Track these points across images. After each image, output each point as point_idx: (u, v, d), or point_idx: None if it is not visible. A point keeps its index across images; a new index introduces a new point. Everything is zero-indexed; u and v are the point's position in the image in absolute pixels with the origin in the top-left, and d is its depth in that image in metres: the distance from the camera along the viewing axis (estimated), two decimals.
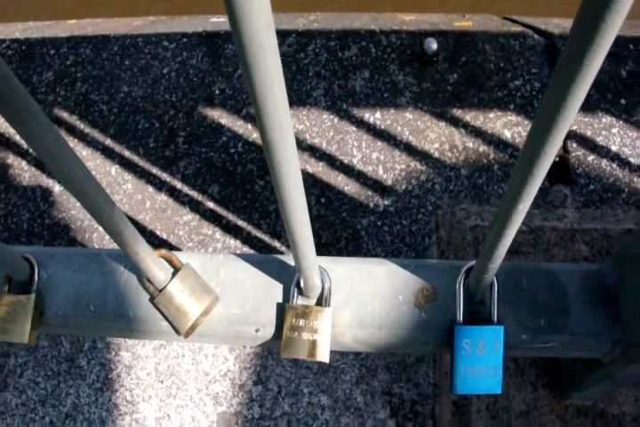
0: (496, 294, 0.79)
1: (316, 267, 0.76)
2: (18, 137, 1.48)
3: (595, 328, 0.80)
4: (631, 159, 1.29)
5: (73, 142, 1.40)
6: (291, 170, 0.52)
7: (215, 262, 0.86)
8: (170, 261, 0.83)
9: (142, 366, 1.26)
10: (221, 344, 1.19)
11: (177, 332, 0.84)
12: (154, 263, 0.78)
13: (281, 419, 1.16)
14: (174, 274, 0.82)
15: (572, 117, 0.45)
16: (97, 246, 1.31)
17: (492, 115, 1.34)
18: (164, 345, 1.27)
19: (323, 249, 1.19)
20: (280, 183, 0.54)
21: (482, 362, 0.77)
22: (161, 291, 0.81)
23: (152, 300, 0.83)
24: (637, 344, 0.77)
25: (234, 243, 1.24)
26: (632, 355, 0.79)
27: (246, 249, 1.24)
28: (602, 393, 1.01)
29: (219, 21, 1.64)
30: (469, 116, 1.34)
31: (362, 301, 0.83)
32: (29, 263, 0.89)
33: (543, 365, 1.07)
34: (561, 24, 1.59)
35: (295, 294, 0.82)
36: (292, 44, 1.39)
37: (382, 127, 1.32)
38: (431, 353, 1.16)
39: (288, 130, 0.46)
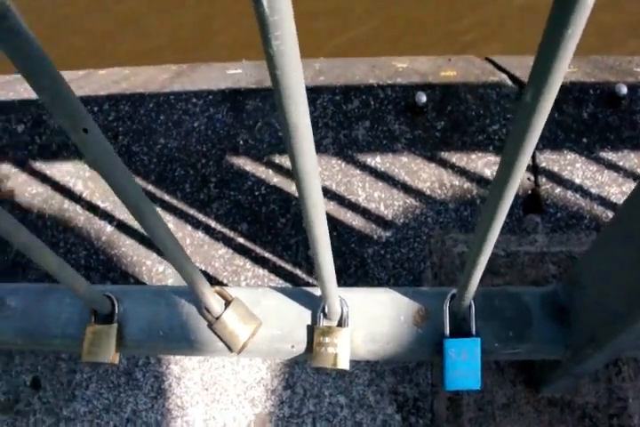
0: (474, 313, 1.03)
1: (337, 297, 1.01)
2: (71, 184, 1.73)
3: (551, 337, 1.05)
4: (592, 190, 1.54)
5: None
6: (319, 214, 0.73)
7: (256, 295, 1.11)
8: (222, 295, 1.08)
9: (189, 376, 1.51)
10: (265, 358, 1.43)
11: (230, 350, 1.09)
12: (212, 297, 1.02)
13: (307, 417, 1.41)
14: (227, 305, 1.07)
15: (528, 155, 0.56)
16: (145, 278, 1.56)
17: (474, 156, 1.59)
18: (207, 358, 1.51)
19: (336, 275, 1.44)
20: (312, 230, 0.76)
21: (465, 366, 1.02)
22: (217, 319, 1.06)
23: (210, 326, 1.08)
24: (583, 347, 1.01)
25: (262, 272, 1.49)
26: (581, 356, 1.04)
27: (273, 277, 1.48)
28: (567, 387, 1.26)
29: (236, 73, 1.89)
30: (455, 158, 1.59)
31: (372, 321, 1.07)
32: (110, 299, 1.13)
33: (519, 365, 1.32)
34: None
35: (321, 318, 1.06)
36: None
37: (382, 169, 1.57)
38: (426, 361, 1.41)
39: (316, 173, 0.65)
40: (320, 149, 1.59)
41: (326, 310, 1.03)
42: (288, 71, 0.46)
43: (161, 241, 0.79)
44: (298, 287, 1.15)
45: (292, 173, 0.58)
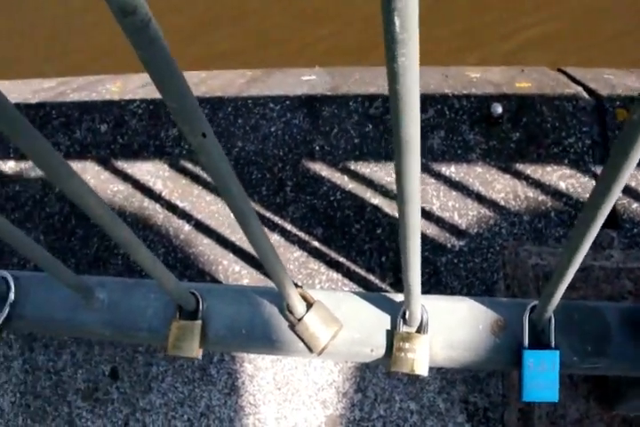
0: (553, 326, 1.04)
1: (420, 303, 1.03)
2: (151, 183, 1.79)
3: (631, 353, 1.05)
4: None
5: (198, 190, 1.71)
6: (415, 225, 0.76)
7: (337, 298, 1.13)
8: (304, 297, 1.11)
9: (262, 375, 1.55)
10: (343, 360, 1.46)
11: (310, 351, 1.12)
12: (296, 299, 1.06)
13: (377, 421, 1.43)
14: (308, 307, 1.10)
15: (630, 170, 0.58)
16: (222, 277, 1.60)
17: (549, 168, 1.59)
18: (280, 359, 1.55)
19: None
20: (406, 234, 0.79)
21: (543, 377, 1.02)
22: (299, 320, 1.09)
23: (291, 327, 1.11)
24: None
25: (336, 276, 1.52)
26: None
27: (346, 281, 1.51)
28: None
29: (311, 79, 1.93)
30: (530, 170, 1.59)
31: (451, 329, 1.09)
32: (195, 297, 1.18)
33: (594, 380, 1.31)
34: (610, 80, 1.83)
35: (401, 323, 1.08)
36: (379, 107, 1.67)
37: (456, 179, 1.59)
38: (502, 370, 1.41)
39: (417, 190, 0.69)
40: None
41: (407, 315, 1.05)
42: (409, 86, 0.49)
43: (258, 241, 0.83)
44: (377, 293, 1.17)
45: (395, 179, 0.61)
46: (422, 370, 1.04)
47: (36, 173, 1.98)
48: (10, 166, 2.04)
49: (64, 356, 1.76)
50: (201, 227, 1.68)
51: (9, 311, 1.23)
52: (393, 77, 0.48)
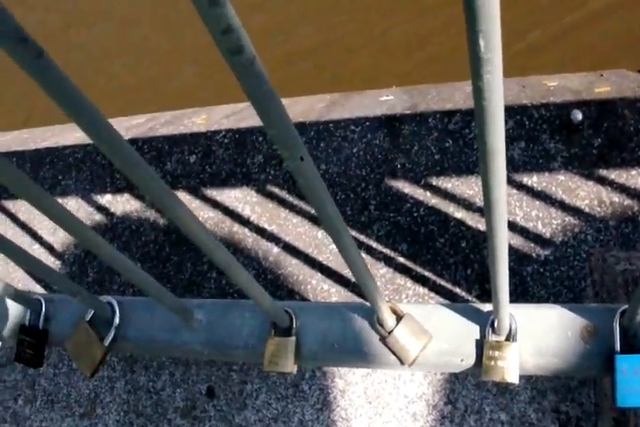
0: None
1: (508, 312, 1.05)
2: (239, 209, 1.87)
3: None
4: None
5: (285, 213, 1.77)
6: (502, 236, 0.80)
7: (426, 310, 1.16)
8: (394, 311, 1.14)
9: (353, 390, 1.58)
10: (434, 372, 1.48)
11: (401, 363, 1.15)
12: (386, 312, 1.09)
13: None
14: (398, 320, 1.13)
15: None
16: (311, 296, 1.65)
17: (633, 172, 1.57)
18: (370, 373, 1.58)
19: None
20: (494, 250, 0.82)
21: (637, 383, 1.02)
22: (390, 333, 1.12)
23: (382, 340, 1.14)
24: None
25: (422, 290, 1.54)
26: None
27: (433, 295, 1.54)
28: None
29: (389, 100, 1.97)
30: (614, 175, 1.58)
31: (540, 336, 1.10)
32: (288, 314, 1.23)
33: None
34: None
35: (489, 333, 1.10)
36: (458, 122, 1.70)
37: (539, 189, 1.59)
38: (593, 376, 1.40)
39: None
40: (476, 170, 1.64)
41: (495, 324, 1.07)
42: (494, 101, 0.52)
43: (351, 257, 0.87)
44: (464, 303, 1.19)
45: (482, 190, 0.64)
46: (513, 378, 1.05)
47: (130, 205, 2.09)
48: (107, 199, 2.16)
49: (163, 376, 1.85)
50: (289, 248, 1.73)
51: (114, 334, 1.31)
52: (478, 93, 0.52)
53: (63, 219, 0.85)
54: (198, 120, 2.20)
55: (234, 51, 0.46)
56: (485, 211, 0.70)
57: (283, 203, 1.79)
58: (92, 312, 1.30)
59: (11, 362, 2.17)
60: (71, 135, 2.53)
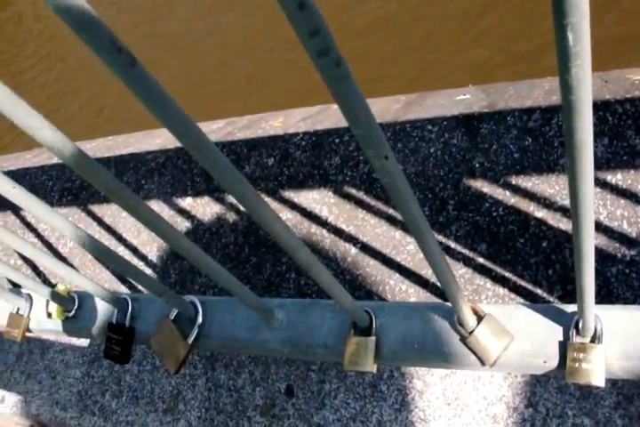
0: None
1: (594, 313, 1.02)
2: (317, 210, 1.89)
3: None
4: None
5: (362, 214, 1.78)
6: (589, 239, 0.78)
7: (507, 311, 1.15)
8: (475, 311, 1.13)
9: (431, 391, 1.57)
10: (514, 373, 1.46)
11: (482, 364, 1.13)
12: (467, 312, 1.08)
13: None
14: (479, 320, 1.12)
15: None
16: (389, 296, 1.66)
17: None
18: (449, 374, 1.57)
19: None
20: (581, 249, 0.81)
21: None
22: (471, 333, 1.12)
23: (463, 340, 1.13)
24: None
25: (502, 291, 1.52)
26: None
27: (513, 295, 1.51)
28: None
29: (465, 99, 1.95)
30: None
31: (627, 339, 1.07)
32: (368, 314, 1.23)
33: None
34: None
35: (574, 334, 1.08)
36: (537, 120, 1.66)
37: (624, 186, 1.55)
38: None
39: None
40: (556, 168, 1.60)
41: (580, 326, 1.05)
42: (582, 96, 0.52)
43: (433, 256, 0.87)
44: (546, 304, 1.17)
45: (569, 187, 0.63)
46: (599, 381, 1.03)
47: (210, 207, 2.14)
48: (188, 202, 2.22)
49: (243, 375, 1.88)
50: (367, 249, 1.74)
51: (197, 332, 1.34)
52: (566, 88, 0.51)
53: (153, 223, 0.89)
54: (275, 123, 2.23)
55: (321, 53, 0.47)
56: (572, 207, 0.69)
57: (360, 204, 1.80)
58: (176, 311, 1.34)
59: (99, 359, 2.26)
60: (153, 141, 2.61)
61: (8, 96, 0.65)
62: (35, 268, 2.64)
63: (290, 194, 1.95)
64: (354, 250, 1.75)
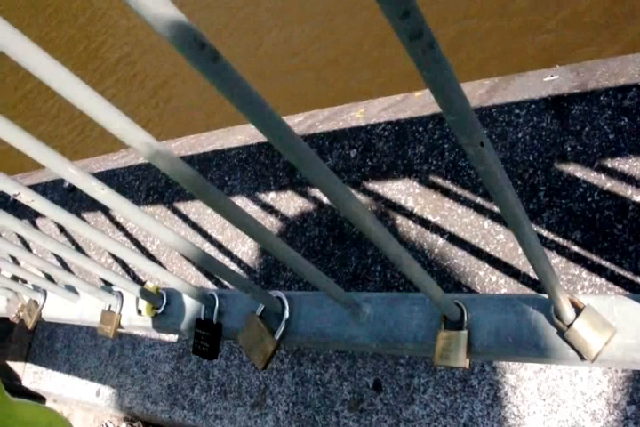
0: None
1: None
2: (402, 201, 1.85)
3: None
4: None
5: (449, 203, 1.73)
6: None
7: (608, 302, 1.08)
8: (573, 303, 1.08)
9: (525, 386, 1.52)
10: (618, 368, 1.39)
11: (582, 358, 1.08)
12: (565, 304, 1.03)
13: None
14: (578, 313, 1.07)
15: None
16: (478, 288, 1.60)
17: None
18: (543, 369, 1.51)
19: None
20: None
21: None
22: (569, 326, 1.06)
23: (560, 333, 1.08)
24: None
25: (599, 281, 1.45)
26: None
27: (611, 285, 1.44)
28: None
29: (553, 79, 1.87)
30: None
31: None
32: (459, 307, 1.19)
33: None
34: None
35: None
36: (634, 98, 1.57)
37: None
38: None
39: None
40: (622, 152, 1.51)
41: None
42: None
43: (531, 247, 0.83)
44: None
45: None
46: None
47: (294, 201, 2.14)
48: (271, 197, 2.22)
49: (330, 369, 1.87)
50: (454, 239, 1.69)
51: (284, 328, 1.34)
52: None
53: (238, 219, 0.88)
54: (357, 114, 2.20)
55: (413, 35, 0.44)
56: None
57: (446, 193, 1.75)
58: (263, 307, 1.34)
59: (187, 353, 2.30)
60: (234, 138, 2.63)
61: (96, 100, 0.65)
62: (124, 266, 2.71)
63: (374, 185, 1.92)
64: (441, 241, 1.71)
